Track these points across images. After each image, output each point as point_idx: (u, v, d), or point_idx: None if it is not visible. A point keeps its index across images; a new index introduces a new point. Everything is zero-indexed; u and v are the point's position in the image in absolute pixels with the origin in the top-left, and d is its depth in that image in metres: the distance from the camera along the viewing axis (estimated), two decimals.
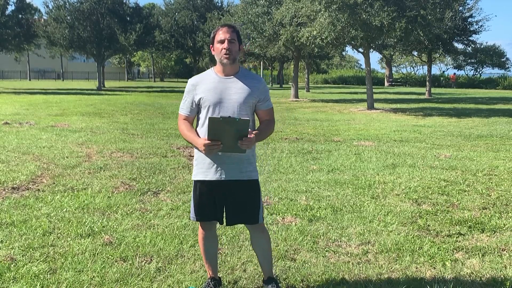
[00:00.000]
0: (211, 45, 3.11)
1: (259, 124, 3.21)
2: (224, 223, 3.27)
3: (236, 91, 3.05)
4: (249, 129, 2.89)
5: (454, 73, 56.40)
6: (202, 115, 3.10)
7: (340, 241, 4.35)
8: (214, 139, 2.86)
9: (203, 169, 3.10)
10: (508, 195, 6.02)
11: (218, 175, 3.06)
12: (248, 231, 4.44)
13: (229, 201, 3.13)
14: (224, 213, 3.20)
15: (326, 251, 4.11)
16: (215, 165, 3.06)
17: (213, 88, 3.05)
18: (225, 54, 3.00)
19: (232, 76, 3.09)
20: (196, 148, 3.11)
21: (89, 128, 12.21)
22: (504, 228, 4.75)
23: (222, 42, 3.01)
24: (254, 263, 3.82)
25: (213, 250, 3.33)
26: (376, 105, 22.22)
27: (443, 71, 58.32)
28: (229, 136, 2.84)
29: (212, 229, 3.31)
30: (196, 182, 3.17)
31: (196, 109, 3.13)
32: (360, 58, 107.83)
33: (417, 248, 4.19)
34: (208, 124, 2.83)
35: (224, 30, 3.02)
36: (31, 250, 4.01)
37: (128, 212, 5.12)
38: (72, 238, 4.30)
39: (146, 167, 7.37)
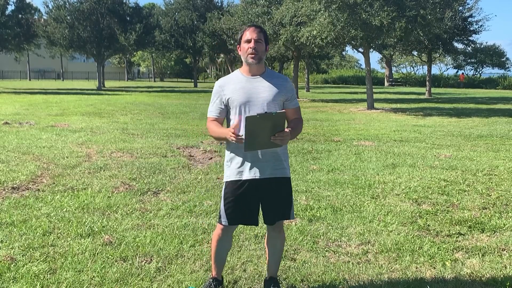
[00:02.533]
0: (238, 45, 3.11)
1: (287, 124, 3.19)
2: (258, 225, 3.25)
3: (264, 89, 3.05)
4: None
5: (463, 73, 56.48)
6: (232, 116, 3.09)
7: (340, 241, 4.35)
8: (251, 136, 2.82)
9: (236, 169, 3.07)
10: (508, 195, 6.02)
11: (252, 174, 3.05)
12: (248, 231, 4.45)
13: (264, 200, 3.12)
14: (261, 212, 3.17)
15: (326, 251, 4.12)
16: (249, 164, 3.04)
17: (240, 88, 3.06)
18: (251, 53, 3.01)
19: (258, 76, 3.09)
20: (227, 147, 3.11)
21: (89, 128, 12.21)
22: (504, 228, 4.75)
23: (248, 41, 3.02)
24: (254, 263, 3.82)
25: (225, 252, 3.31)
26: (376, 105, 22.22)
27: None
28: (266, 132, 2.83)
29: (231, 231, 3.26)
30: (228, 183, 3.12)
31: (225, 110, 3.12)
32: (360, 58, 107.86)
33: (417, 248, 4.19)
34: (245, 123, 2.79)
35: (251, 30, 3.03)
36: (31, 250, 4.01)
37: (128, 212, 5.12)
38: (72, 238, 4.30)
39: (146, 167, 7.37)
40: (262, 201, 3.13)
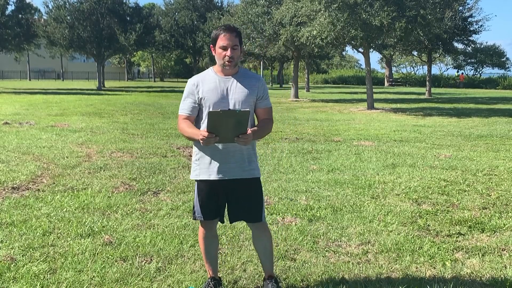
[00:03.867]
0: (211, 45, 3.11)
1: (256, 123, 3.21)
2: (224, 222, 3.28)
3: (235, 90, 3.07)
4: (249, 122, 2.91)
5: (462, 73, 56.51)
6: (203, 114, 3.11)
7: (340, 241, 4.35)
8: (213, 132, 2.85)
9: (205, 168, 3.11)
10: (508, 195, 6.02)
11: (220, 174, 3.08)
12: (248, 231, 4.45)
13: (231, 199, 3.16)
14: (226, 211, 3.21)
15: (326, 251, 4.12)
16: (217, 165, 3.07)
17: (213, 88, 3.07)
18: (228, 61, 3.02)
19: (231, 76, 3.10)
20: (195, 144, 3.12)
21: (89, 128, 12.21)
22: (504, 228, 4.75)
23: (224, 49, 3.01)
24: (254, 263, 3.82)
25: (213, 249, 3.34)
26: (376, 105, 22.22)
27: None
28: (228, 128, 2.84)
29: (213, 228, 3.31)
30: (198, 182, 3.18)
31: (197, 108, 3.13)
32: (360, 58, 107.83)
33: (417, 248, 4.19)
34: (208, 118, 2.82)
35: (227, 37, 2.99)
36: (31, 250, 4.01)
37: (128, 212, 5.12)
38: (72, 238, 4.30)
39: (146, 167, 7.37)
40: (228, 201, 3.17)
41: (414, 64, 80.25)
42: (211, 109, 3.02)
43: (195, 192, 3.22)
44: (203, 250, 3.32)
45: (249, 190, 3.14)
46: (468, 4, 29.01)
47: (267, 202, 5.50)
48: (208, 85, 3.08)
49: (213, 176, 3.09)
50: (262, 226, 3.24)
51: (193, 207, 3.25)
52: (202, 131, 2.90)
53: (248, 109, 2.88)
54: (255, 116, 3.23)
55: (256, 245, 3.34)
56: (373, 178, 6.83)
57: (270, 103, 3.23)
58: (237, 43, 3.03)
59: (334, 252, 4.09)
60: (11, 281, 3.45)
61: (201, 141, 2.91)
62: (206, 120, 2.88)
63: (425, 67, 54.12)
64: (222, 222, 3.26)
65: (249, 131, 2.91)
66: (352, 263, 3.86)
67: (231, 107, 3.04)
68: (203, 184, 3.15)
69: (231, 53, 3.00)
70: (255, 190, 3.16)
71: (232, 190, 3.13)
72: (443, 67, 79.52)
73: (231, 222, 3.25)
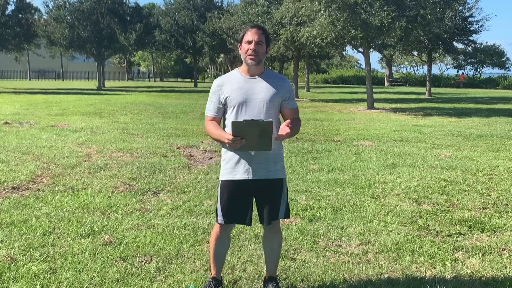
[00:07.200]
0: (239, 44, 3.13)
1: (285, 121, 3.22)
2: (251, 225, 3.27)
3: (261, 90, 3.07)
4: (274, 129, 2.93)
5: (463, 73, 56.51)
6: (228, 115, 3.11)
7: (340, 241, 4.35)
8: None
9: (231, 169, 3.11)
10: (508, 195, 6.02)
11: (246, 174, 3.08)
12: (248, 231, 4.46)
13: (258, 200, 3.16)
14: (254, 212, 3.19)
15: (326, 251, 4.12)
16: (243, 165, 3.08)
17: (238, 88, 3.08)
18: (250, 55, 3.03)
19: (257, 76, 3.11)
20: (223, 146, 3.13)
21: (89, 128, 12.21)
22: (504, 228, 4.75)
23: (249, 43, 3.03)
24: (254, 263, 3.82)
25: (223, 251, 3.33)
26: (376, 105, 22.21)
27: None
28: (253, 137, 2.86)
29: (229, 229, 3.30)
30: (223, 182, 3.16)
31: (223, 109, 3.15)
32: (360, 58, 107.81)
33: (417, 248, 4.19)
34: (232, 127, 2.85)
35: (253, 32, 3.03)
36: (31, 250, 4.01)
37: (128, 212, 5.12)
38: (72, 238, 4.30)
39: (146, 167, 7.37)
40: (256, 202, 3.18)
41: (414, 64, 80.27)
42: (236, 109, 3.05)
43: (218, 193, 3.21)
44: (213, 250, 3.29)
45: (271, 191, 3.14)
46: (468, 4, 29.06)
47: None
48: (232, 85, 3.09)
49: (237, 176, 3.09)
50: (275, 227, 3.24)
51: (216, 210, 3.22)
52: (228, 135, 2.93)
53: (271, 119, 2.92)
54: (280, 117, 3.23)
55: (265, 245, 3.33)
56: (373, 178, 6.83)
57: (296, 103, 3.25)
58: (263, 39, 3.04)
59: (334, 252, 4.09)
60: (11, 281, 3.45)
61: (227, 145, 2.95)
62: (231, 128, 2.89)
63: (425, 67, 54.12)
64: (249, 224, 3.21)
65: (288, 128, 2.97)
66: (352, 263, 3.86)
67: (256, 106, 3.04)
68: (227, 185, 3.13)
69: (254, 47, 3.01)
70: (277, 190, 3.16)
71: (258, 191, 3.13)
72: (443, 67, 79.60)
73: (261, 223, 3.22)
